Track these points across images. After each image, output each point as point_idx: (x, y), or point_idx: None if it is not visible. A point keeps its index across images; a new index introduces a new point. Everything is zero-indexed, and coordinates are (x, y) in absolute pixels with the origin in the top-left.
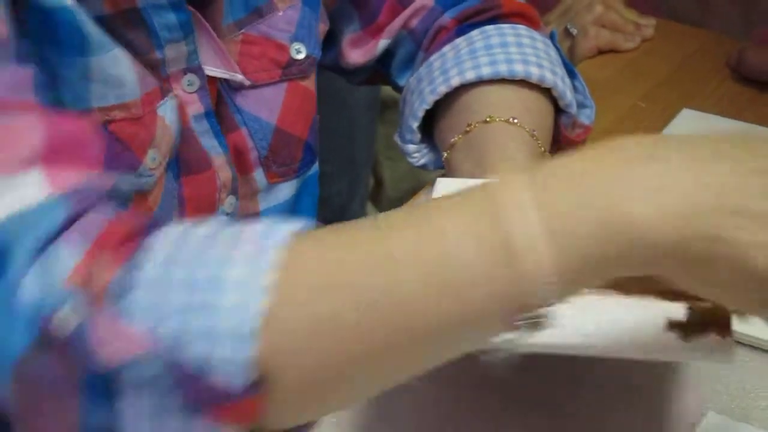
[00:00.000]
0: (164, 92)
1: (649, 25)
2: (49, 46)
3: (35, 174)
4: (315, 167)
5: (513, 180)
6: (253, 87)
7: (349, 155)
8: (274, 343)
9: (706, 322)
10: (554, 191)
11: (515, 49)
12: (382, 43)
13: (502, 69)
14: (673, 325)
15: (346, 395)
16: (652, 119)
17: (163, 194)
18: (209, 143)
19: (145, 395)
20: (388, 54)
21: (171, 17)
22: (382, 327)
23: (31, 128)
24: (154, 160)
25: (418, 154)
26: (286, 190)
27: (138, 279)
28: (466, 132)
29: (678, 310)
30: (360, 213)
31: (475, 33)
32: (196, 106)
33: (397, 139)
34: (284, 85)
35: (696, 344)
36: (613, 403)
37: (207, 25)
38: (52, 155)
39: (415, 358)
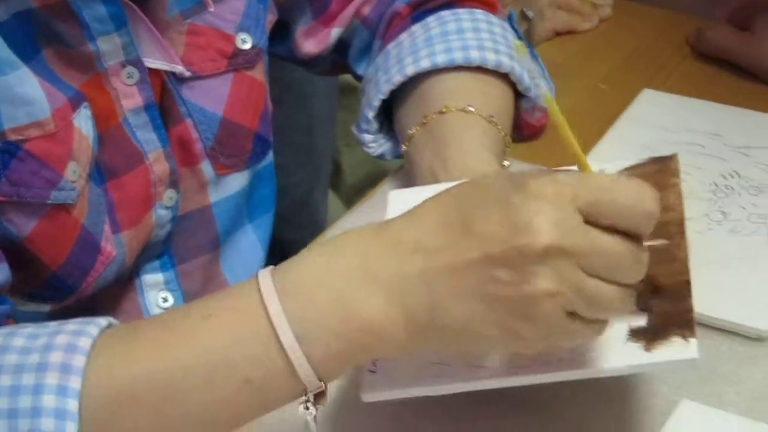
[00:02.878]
0: (76, 103)
1: (606, 5)
2: None
3: None
4: (269, 158)
5: (268, 292)
6: (199, 78)
7: (309, 146)
8: None
9: (668, 324)
10: (297, 300)
11: (471, 34)
12: (335, 31)
13: (458, 56)
14: (635, 334)
15: None
16: (613, 101)
17: (89, 204)
18: (146, 137)
19: None
20: (343, 43)
21: (101, 9)
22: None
23: None
24: (74, 172)
25: (374, 144)
26: (237, 182)
27: None
28: (423, 123)
29: (638, 317)
30: (322, 202)
31: (431, 19)
32: (134, 100)
33: (354, 129)
34: (230, 75)
35: (659, 353)
36: (591, 398)
37: (144, 17)
38: None
39: None
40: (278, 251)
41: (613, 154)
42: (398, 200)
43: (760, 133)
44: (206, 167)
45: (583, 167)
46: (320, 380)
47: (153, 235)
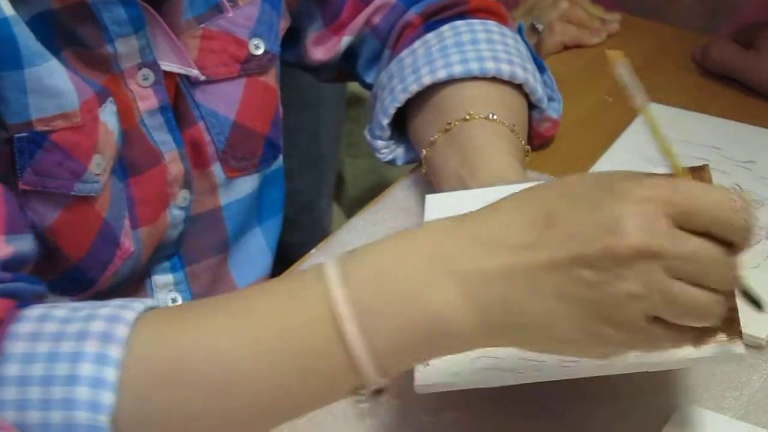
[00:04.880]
0: (102, 98)
1: (614, 20)
2: None
3: None
4: (278, 163)
5: (329, 278)
6: (212, 82)
7: (315, 152)
8: None
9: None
10: (365, 290)
11: (486, 45)
12: (345, 40)
13: (474, 67)
14: None
15: None
16: (619, 114)
17: (111, 198)
18: (162, 138)
19: None
20: (352, 52)
21: (121, 12)
22: (228, 412)
23: None
24: (99, 165)
25: (386, 150)
26: (247, 185)
27: (4, 375)
28: (447, 130)
29: None
30: (327, 209)
31: (445, 29)
32: (150, 101)
33: (366, 134)
34: (243, 80)
35: (706, 348)
36: (595, 401)
37: (161, 20)
38: None
39: (261, 427)
40: (284, 255)
41: (618, 166)
42: (435, 205)
43: (762, 149)
44: (217, 170)
45: (676, 171)
46: (379, 376)
47: (166, 235)
